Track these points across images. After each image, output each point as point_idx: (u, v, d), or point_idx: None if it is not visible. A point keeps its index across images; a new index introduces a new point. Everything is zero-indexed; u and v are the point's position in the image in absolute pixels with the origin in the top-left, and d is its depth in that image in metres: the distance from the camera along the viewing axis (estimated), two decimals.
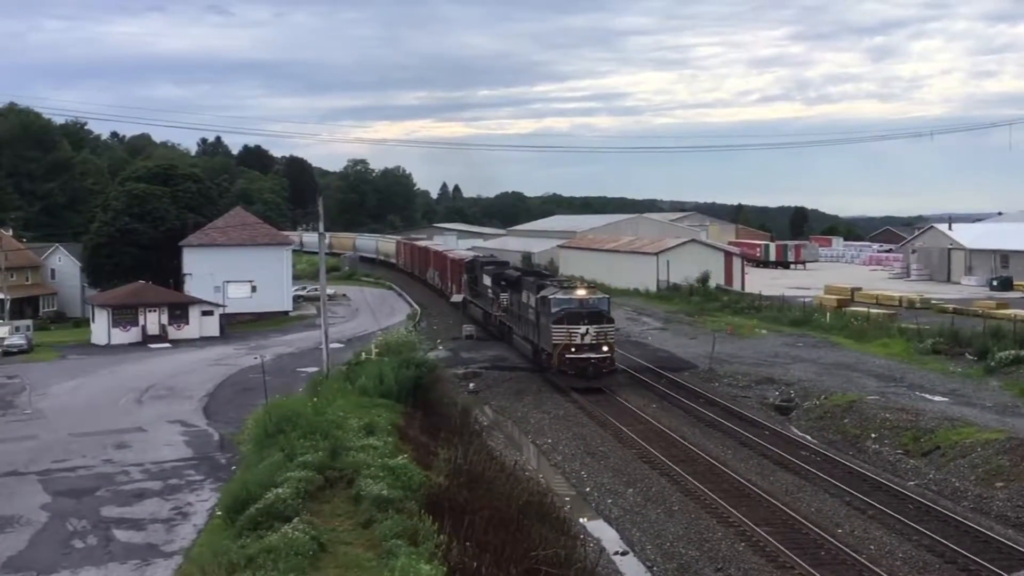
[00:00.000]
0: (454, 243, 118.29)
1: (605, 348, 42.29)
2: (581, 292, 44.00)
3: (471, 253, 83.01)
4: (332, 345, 43.75)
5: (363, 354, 41.52)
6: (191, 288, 67.68)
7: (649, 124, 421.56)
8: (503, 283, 55.75)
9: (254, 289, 69.51)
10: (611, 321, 43.84)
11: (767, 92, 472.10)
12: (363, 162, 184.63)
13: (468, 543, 18.77)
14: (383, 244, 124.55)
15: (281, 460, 24.00)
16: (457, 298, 71.58)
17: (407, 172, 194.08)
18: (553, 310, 42.93)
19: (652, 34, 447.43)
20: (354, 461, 23.57)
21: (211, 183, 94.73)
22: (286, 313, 71.16)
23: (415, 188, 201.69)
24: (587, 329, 42.09)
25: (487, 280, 60.59)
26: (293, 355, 54.31)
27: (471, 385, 45.81)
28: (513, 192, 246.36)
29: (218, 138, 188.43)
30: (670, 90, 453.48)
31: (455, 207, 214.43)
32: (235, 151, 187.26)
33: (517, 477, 28.09)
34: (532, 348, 47.88)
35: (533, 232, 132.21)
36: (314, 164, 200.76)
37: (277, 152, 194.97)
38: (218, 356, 54.73)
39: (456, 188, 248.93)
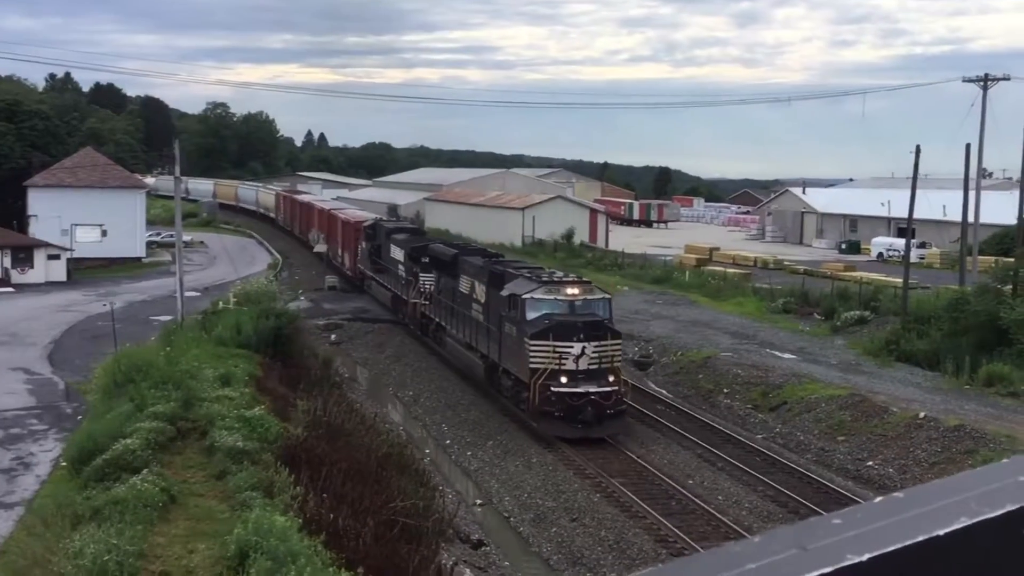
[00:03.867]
0: (319, 192, 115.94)
1: (611, 377, 28.00)
2: (573, 290, 29.20)
3: (370, 215, 66.61)
4: (188, 293, 42.39)
5: (220, 303, 40.39)
6: (36, 231, 64.43)
7: (519, 79, 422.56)
8: (425, 260, 41.85)
9: (104, 233, 66.62)
10: (617, 335, 29.13)
11: (636, 52, 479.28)
12: (224, 105, 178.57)
13: (325, 495, 18.59)
14: (263, 195, 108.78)
15: (131, 410, 23.19)
16: (320, 248, 69.92)
17: (271, 118, 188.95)
18: (529, 316, 28.38)
19: None
20: (208, 412, 22.99)
21: (60, 121, 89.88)
22: (139, 259, 68.58)
23: (279, 135, 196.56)
24: (583, 348, 27.70)
25: (397, 253, 46.30)
26: (146, 303, 52.47)
27: (332, 336, 45.21)
28: (380, 143, 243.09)
29: (68, 74, 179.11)
30: (541, 46, 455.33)
31: (320, 156, 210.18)
32: (86, 88, 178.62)
33: (377, 429, 27.96)
34: (485, 366, 33.04)
35: (400, 184, 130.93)
36: (171, 105, 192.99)
37: (132, 91, 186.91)
38: (65, 302, 52.42)
39: (322, 136, 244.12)
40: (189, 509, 17.76)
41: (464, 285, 35.62)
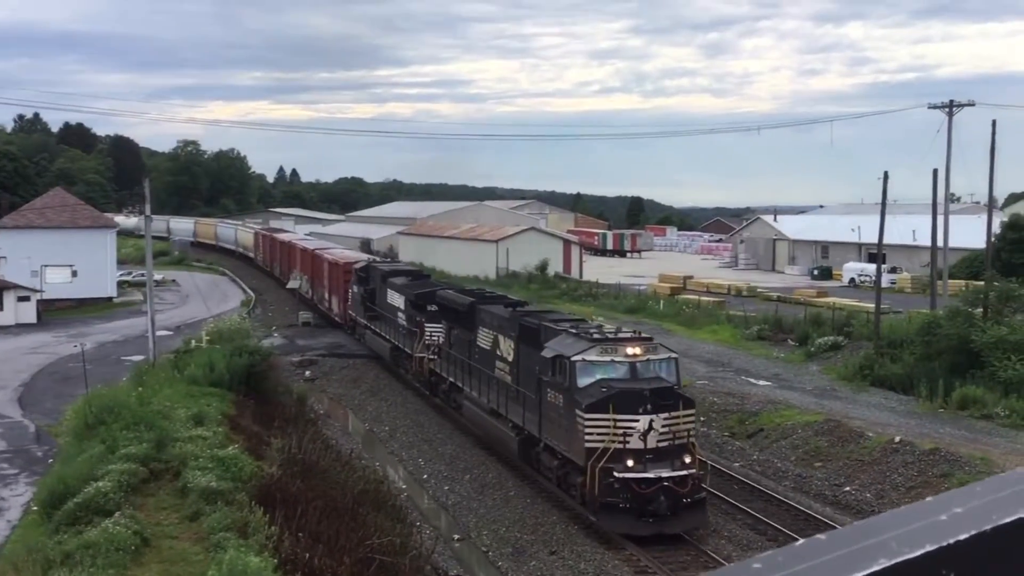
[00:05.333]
0: (292, 228, 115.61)
1: (686, 457, 22.85)
2: (633, 349, 23.88)
3: (362, 256, 62.23)
4: (160, 332, 42.04)
5: (193, 342, 40.07)
6: (6, 272, 63.81)
7: (491, 112, 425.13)
8: (432, 309, 37.02)
9: (75, 274, 66.06)
10: (690, 403, 23.96)
11: (607, 84, 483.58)
12: (195, 143, 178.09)
13: (300, 534, 18.37)
14: (242, 234, 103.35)
15: (102, 452, 22.89)
16: (294, 284, 69.44)
17: (242, 154, 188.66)
18: (582, 383, 23.20)
19: (495, 22, 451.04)
20: (181, 452, 22.72)
21: (29, 161, 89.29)
22: (110, 299, 68.00)
23: (250, 171, 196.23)
24: (651, 422, 22.54)
25: (396, 299, 41.74)
26: (117, 343, 51.97)
27: (307, 373, 44.91)
28: (352, 177, 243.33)
29: (36, 115, 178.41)
30: (512, 79, 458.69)
31: (292, 192, 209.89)
32: (55, 128, 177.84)
33: (353, 466, 27.73)
34: (519, 439, 27.54)
35: (373, 218, 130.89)
36: (142, 144, 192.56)
37: (101, 130, 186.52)
38: (35, 344, 51.84)
39: (294, 172, 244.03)
40: (163, 552, 17.50)
41: (484, 339, 30.64)
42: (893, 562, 0.75)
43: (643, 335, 25.90)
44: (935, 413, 31.95)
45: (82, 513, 18.75)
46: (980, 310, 37.01)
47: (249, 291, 75.81)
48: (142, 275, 62.12)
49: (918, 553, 0.77)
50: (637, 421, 22.54)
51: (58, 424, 31.94)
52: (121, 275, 74.08)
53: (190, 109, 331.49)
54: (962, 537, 0.79)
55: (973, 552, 0.78)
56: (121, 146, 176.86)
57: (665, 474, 22.40)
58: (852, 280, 75.29)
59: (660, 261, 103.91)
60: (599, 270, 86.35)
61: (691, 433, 23.67)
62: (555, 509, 25.66)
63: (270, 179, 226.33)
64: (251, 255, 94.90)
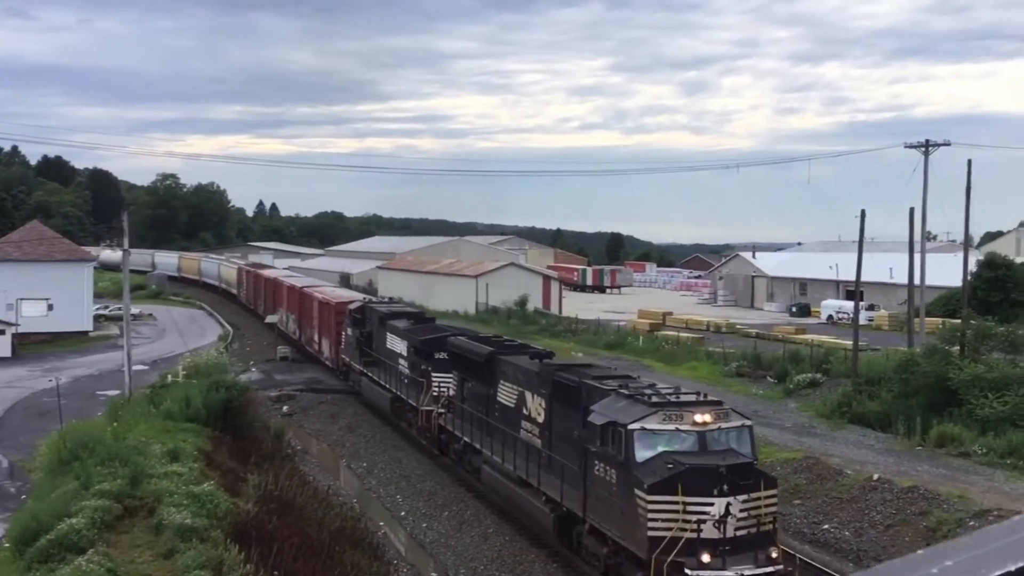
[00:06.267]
0: (271, 262, 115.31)
1: (772, 551, 18.95)
2: (702, 416, 19.94)
3: (356, 295, 57.68)
4: (136, 367, 41.69)
5: (169, 376, 39.76)
6: None
7: (472, 147, 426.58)
8: (441, 357, 33.53)
9: (51, 307, 65.57)
10: (772, 482, 20.11)
11: (587, 120, 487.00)
12: (174, 176, 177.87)
13: (276, 572, 18.13)
14: (225, 270, 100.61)
15: (76, 488, 22.58)
16: (272, 318, 69.03)
17: (221, 188, 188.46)
18: (641, 456, 19.48)
19: (476, 58, 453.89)
20: (156, 489, 22.46)
21: (6, 194, 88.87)
22: (86, 333, 67.46)
23: (230, 205, 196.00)
24: (728, 506, 18.67)
25: (397, 344, 38.39)
26: (93, 377, 51.48)
27: (285, 408, 44.58)
28: (332, 212, 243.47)
29: (15, 147, 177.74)
30: (493, 114, 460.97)
31: (272, 226, 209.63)
32: (34, 161, 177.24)
33: (330, 503, 27.48)
34: (555, 516, 23.40)
35: (352, 253, 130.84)
36: (121, 177, 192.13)
37: (80, 164, 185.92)
38: (9, 378, 51.28)
39: (273, 206, 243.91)
40: None
41: (506, 395, 27.18)
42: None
43: (709, 397, 21.52)
44: (913, 451, 32.02)
45: (55, 550, 18.46)
46: (957, 348, 37.25)
47: (227, 325, 75.40)
48: (118, 309, 61.71)
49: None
50: (711, 505, 18.50)
51: (32, 460, 31.54)
52: (97, 309, 73.60)
53: (169, 143, 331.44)
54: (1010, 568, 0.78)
55: None
56: (99, 179, 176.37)
57: (748, 572, 18.45)
58: (830, 317, 75.68)
59: (639, 297, 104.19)
60: (579, 306, 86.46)
61: (774, 519, 19.63)
62: (533, 547, 25.48)
63: (249, 213, 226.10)
64: (234, 291, 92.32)
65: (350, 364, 46.14)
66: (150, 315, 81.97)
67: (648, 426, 19.66)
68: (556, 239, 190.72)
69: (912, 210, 47.45)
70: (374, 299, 55.44)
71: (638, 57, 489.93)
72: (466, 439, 30.30)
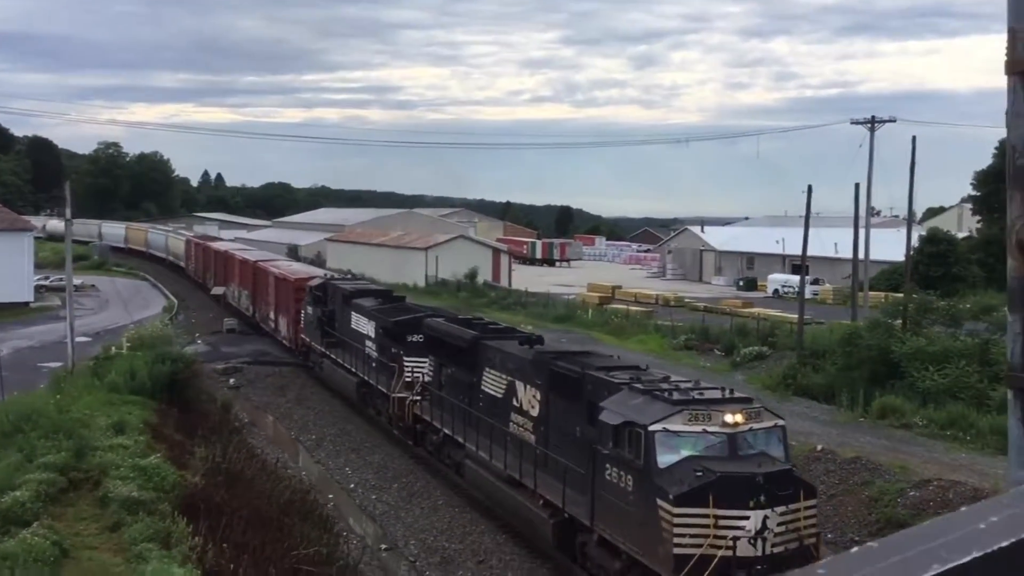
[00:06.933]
0: (216, 233, 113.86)
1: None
2: (733, 416, 17.46)
3: (316, 271, 55.47)
4: (79, 339, 41.00)
5: (113, 348, 39.16)
6: None
7: (421, 119, 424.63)
8: (416, 339, 31.41)
9: None
10: (811, 491, 17.66)
11: (538, 93, 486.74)
12: (116, 145, 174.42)
13: (225, 544, 18.04)
14: (173, 241, 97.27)
15: (19, 461, 22.19)
16: (219, 291, 68.15)
17: (165, 158, 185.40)
18: (663, 460, 17.12)
19: (425, 29, 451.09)
20: (101, 461, 22.18)
21: None
22: (27, 304, 66.14)
23: (174, 175, 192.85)
24: (765, 519, 16.39)
25: (364, 325, 36.28)
26: (34, 349, 50.54)
27: (231, 380, 44.18)
28: (280, 183, 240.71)
29: None
30: (443, 86, 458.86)
31: (217, 196, 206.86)
32: None
33: (278, 475, 27.36)
34: (555, 523, 20.82)
35: (300, 224, 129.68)
36: (62, 146, 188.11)
37: (19, 131, 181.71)
38: None
39: (219, 176, 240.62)
40: (82, 563, 17.02)
41: (493, 384, 25.00)
42: (945, 568, 0.81)
43: (737, 394, 19.07)
44: (856, 422, 32.62)
45: None
46: (899, 322, 37.95)
47: (172, 297, 74.43)
48: (60, 279, 60.61)
49: (967, 559, 0.83)
50: (747, 518, 16.24)
51: None
52: (38, 280, 72.19)
53: (112, 111, 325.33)
54: (1003, 544, 0.84)
55: (1014, 557, 0.84)
56: (40, 147, 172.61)
57: None
58: (776, 291, 76.68)
59: (589, 270, 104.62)
60: (528, 279, 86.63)
61: (817, 533, 17.48)
62: (484, 518, 25.59)
63: (194, 183, 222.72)
64: (182, 264, 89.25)
65: (310, 345, 43.57)
66: (92, 286, 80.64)
67: (671, 427, 17.20)
68: (506, 212, 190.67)
69: (857, 186, 48.14)
70: (337, 275, 52.73)
71: (589, 30, 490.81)
72: (446, 431, 27.58)
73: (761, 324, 49.88)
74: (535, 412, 22.54)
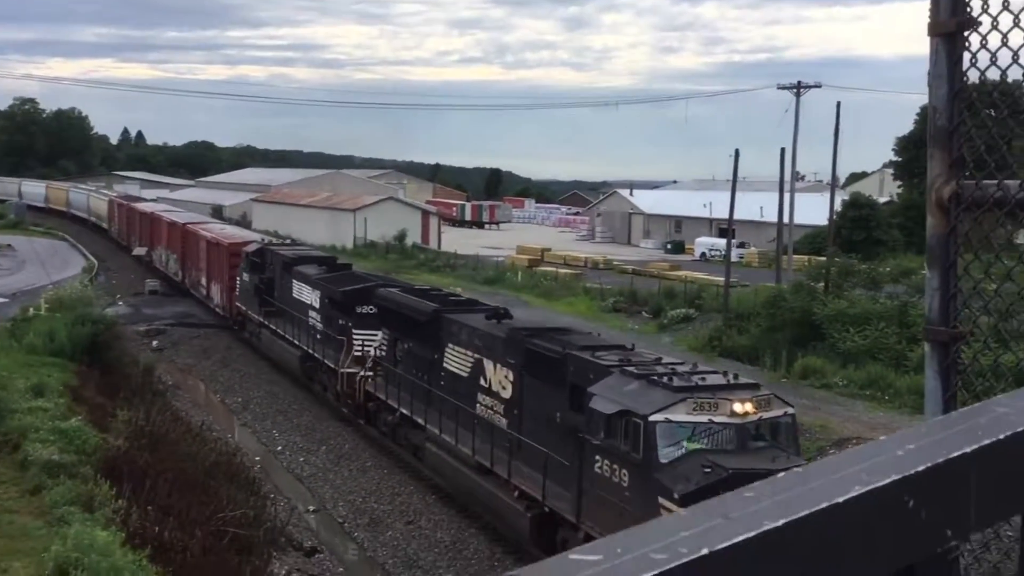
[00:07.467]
0: (136, 192, 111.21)
1: None
2: (742, 405, 16.12)
3: (252, 235, 53.16)
4: None
5: (31, 309, 38.15)
6: None
7: (349, 78, 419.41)
8: (367, 311, 29.31)
9: None
10: None
11: (467, 54, 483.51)
12: (32, 101, 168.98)
13: (149, 507, 17.78)
14: (95, 202, 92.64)
15: None
16: (140, 251, 66.60)
17: (83, 114, 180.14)
18: (666, 454, 15.94)
19: None
20: (20, 424, 21.66)
21: None
22: None
23: (92, 132, 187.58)
24: None
25: (307, 294, 34.52)
26: None
27: (154, 343, 43.40)
28: (203, 141, 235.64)
29: None
30: (371, 45, 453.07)
31: (138, 154, 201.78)
32: None
33: (204, 438, 27.04)
34: (535, 518, 19.39)
35: (225, 184, 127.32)
36: None
37: None
38: None
39: (139, 134, 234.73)
40: (2, 527, 16.64)
41: (457, 361, 23.12)
42: (866, 489, 0.90)
43: (742, 379, 17.65)
44: (779, 383, 33.21)
45: None
46: (822, 284, 38.73)
47: (92, 258, 72.68)
48: None
49: (886, 482, 0.92)
50: None
51: None
52: None
53: (28, 65, 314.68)
54: (919, 468, 0.95)
55: (928, 482, 0.95)
56: None
57: None
58: (703, 254, 77.63)
59: (518, 233, 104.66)
60: (457, 241, 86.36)
61: None
62: (412, 480, 25.60)
63: (114, 141, 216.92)
64: (105, 225, 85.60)
65: (247, 314, 41.27)
66: (8, 246, 78.37)
67: (674, 417, 15.76)
68: (435, 174, 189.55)
69: (783, 151, 48.82)
70: (275, 240, 50.60)
71: None
72: (403, 410, 25.47)
73: (688, 287, 50.47)
74: (506, 393, 20.85)
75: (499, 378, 21.14)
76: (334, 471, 27.14)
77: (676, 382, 16.51)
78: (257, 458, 28.69)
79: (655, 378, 16.74)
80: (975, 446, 1.00)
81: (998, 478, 1.02)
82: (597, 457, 16.91)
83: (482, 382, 21.81)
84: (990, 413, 1.10)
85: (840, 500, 0.88)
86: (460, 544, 21.86)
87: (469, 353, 22.57)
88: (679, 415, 15.78)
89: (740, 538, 0.81)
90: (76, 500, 17.16)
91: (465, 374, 22.66)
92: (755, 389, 16.94)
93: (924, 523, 0.95)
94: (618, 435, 16.39)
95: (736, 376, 17.57)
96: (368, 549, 22.44)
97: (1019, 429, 1.05)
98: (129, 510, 17.15)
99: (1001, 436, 1.03)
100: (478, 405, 21.91)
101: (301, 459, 28.52)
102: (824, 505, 0.87)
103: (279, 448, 29.72)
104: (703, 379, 16.96)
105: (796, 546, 0.84)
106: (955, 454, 0.98)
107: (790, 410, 17.15)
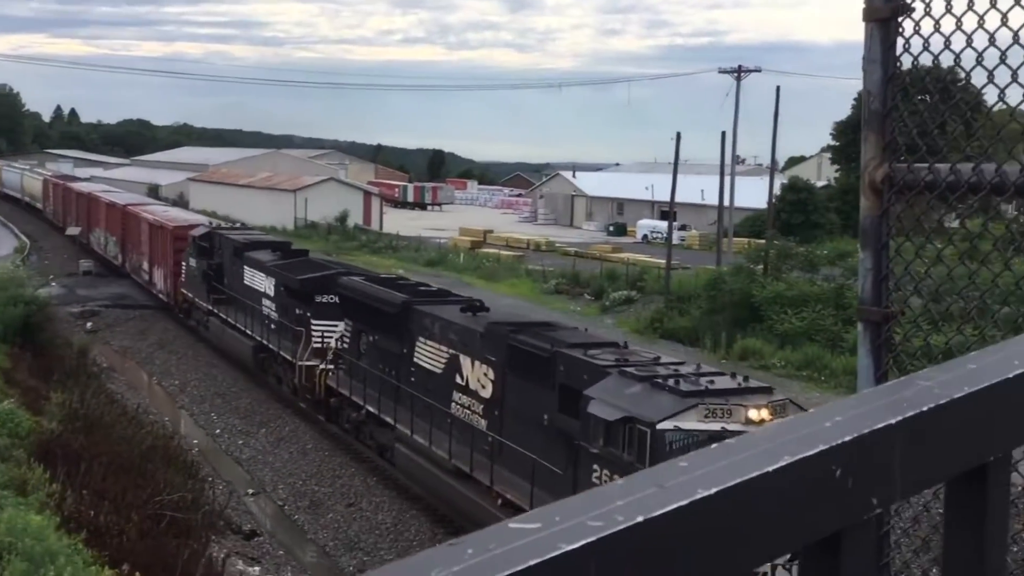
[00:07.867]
0: (70, 171, 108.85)
1: None
2: (758, 412, 14.61)
3: (200, 218, 49.56)
4: None
5: None
6: None
7: (290, 57, 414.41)
8: (327, 300, 27.76)
9: None
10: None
11: (410, 34, 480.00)
12: None
13: (84, 491, 17.52)
14: (28, 181, 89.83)
15: None
16: (73, 231, 65.16)
17: (14, 91, 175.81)
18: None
19: None
20: None
21: None
22: None
23: (24, 109, 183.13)
24: None
25: (260, 281, 32.74)
26: None
27: (89, 324, 42.61)
28: (138, 119, 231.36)
29: None
30: (312, 23, 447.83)
31: (71, 132, 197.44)
32: None
33: (140, 421, 26.67)
34: None
35: (161, 163, 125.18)
36: None
37: None
38: None
39: (72, 112, 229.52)
40: None
41: (430, 357, 21.68)
42: (795, 459, 0.93)
43: (753, 382, 16.49)
44: (718, 363, 33.65)
45: None
46: (761, 267, 39.26)
47: (23, 237, 71.07)
48: None
49: (814, 452, 0.95)
50: None
51: None
52: None
53: None
54: (846, 439, 0.98)
55: (854, 452, 0.99)
56: None
57: None
58: (645, 237, 78.20)
59: (461, 214, 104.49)
60: (400, 222, 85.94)
61: None
62: (353, 462, 25.51)
63: (46, 118, 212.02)
64: (39, 206, 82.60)
65: (193, 301, 39.11)
66: None
67: (684, 425, 14.54)
68: (377, 154, 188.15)
69: (723, 134, 49.27)
70: (224, 225, 48.51)
71: None
72: (370, 407, 23.82)
73: (630, 269, 50.82)
74: (486, 392, 19.46)
75: (477, 376, 19.78)
76: (273, 454, 26.95)
77: (684, 386, 15.25)
78: (195, 441, 28.38)
79: (660, 381, 15.50)
80: (899, 418, 1.04)
81: (921, 449, 1.07)
82: (595, 467, 15.64)
83: (458, 380, 20.44)
84: (914, 387, 1.14)
85: (770, 469, 0.91)
86: (401, 526, 21.86)
87: (443, 348, 21.16)
88: (689, 423, 14.54)
89: (674, 506, 0.83)
90: (9, 484, 16.84)
91: (439, 370, 21.26)
92: (769, 393, 15.84)
93: (851, 491, 0.98)
94: (620, 444, 15.16)
95: (746, 378, 16.58)
96: (308, 532, 22.34)
97: (942, 402, 1.09)
98: (64, 494, 16.88)
99: (924, 408, 1.07)
100: (453, 404, 20.55)
101: (240, 442, 28.26)
102: (755, 474, 0.90)
103: (217, 431, 29.42)
104: (711, 382, 15.70)
105: (728, 513, 0.87)
106: (880, 425, 1.02)
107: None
